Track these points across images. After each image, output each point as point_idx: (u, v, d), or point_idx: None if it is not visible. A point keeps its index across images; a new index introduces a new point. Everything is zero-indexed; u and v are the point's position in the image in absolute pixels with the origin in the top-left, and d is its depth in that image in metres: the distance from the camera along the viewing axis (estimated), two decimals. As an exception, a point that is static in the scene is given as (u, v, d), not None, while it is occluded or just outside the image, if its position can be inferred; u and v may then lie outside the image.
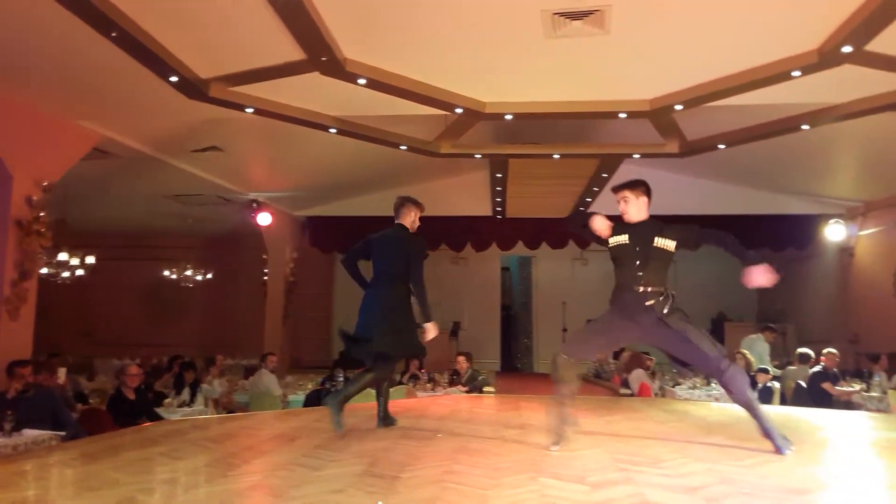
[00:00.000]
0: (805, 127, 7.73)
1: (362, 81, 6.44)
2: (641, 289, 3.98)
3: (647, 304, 3.96)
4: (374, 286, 4.85)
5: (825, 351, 8.51)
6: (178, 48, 5.93)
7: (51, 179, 7.29)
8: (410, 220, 4.99)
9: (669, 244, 4.05)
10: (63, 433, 5.36)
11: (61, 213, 8.38)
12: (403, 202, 5.02)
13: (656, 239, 4.05)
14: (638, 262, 4.04)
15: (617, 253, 4.15)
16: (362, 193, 12.41)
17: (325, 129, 7.87)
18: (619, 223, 4.23)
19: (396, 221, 4.98)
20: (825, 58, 5.80)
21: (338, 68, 6.15)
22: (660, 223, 4.17)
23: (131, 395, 6.70)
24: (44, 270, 8.85)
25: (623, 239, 4.13)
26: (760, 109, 7.49)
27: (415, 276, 4.79)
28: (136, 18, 5.30)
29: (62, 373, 7.26)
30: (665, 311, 3.94)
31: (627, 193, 4.22)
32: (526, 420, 5.33)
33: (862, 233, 11.52)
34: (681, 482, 3.11)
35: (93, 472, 3.41)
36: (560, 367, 4.12)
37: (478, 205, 12.33)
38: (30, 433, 5.14)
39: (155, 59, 5.84)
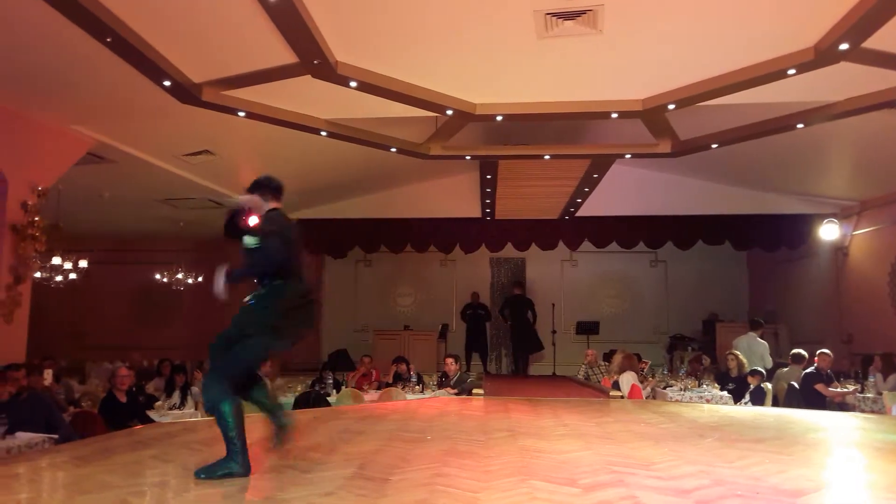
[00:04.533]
0: (800, 126, 7.74)
1: (353, 84, 6.45)
2: None
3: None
4: None
5: (819, 352, 8.50)
6: (172, 53, 5.94)
7: (45, 184, 7.30)
8: None
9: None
10: (56, 436, 5.34)
11: (55, 218, 8.34)
12: None
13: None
14: None
15: None
16: (352, 196, 12.41)
17: (316, 132, 7.87)
18: None
19: None
20: (822, 56, 5.81)
21: (329, 71, 6.16)
22: None
23: (122, 398, 6.67)
24: (37, 274, 8.80)
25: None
26: (754, 108, 7.50)
27: None
28: (130, 23, 5.31)
29: (48, 374, 7.22)
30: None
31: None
32: (515, 422, 5.33)
33: (856, 232, 11.53)
34: (673, 484, 3.10)
35: (85, 475, 3.39)
36: None
37: (467, 206, 12.32)
38: (23, 436, 5.12)
39: (149, 64, 5.85)
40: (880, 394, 8.05)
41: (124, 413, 6.51)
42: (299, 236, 3.99)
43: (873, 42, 5.56)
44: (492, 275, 15.91)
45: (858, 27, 5.30)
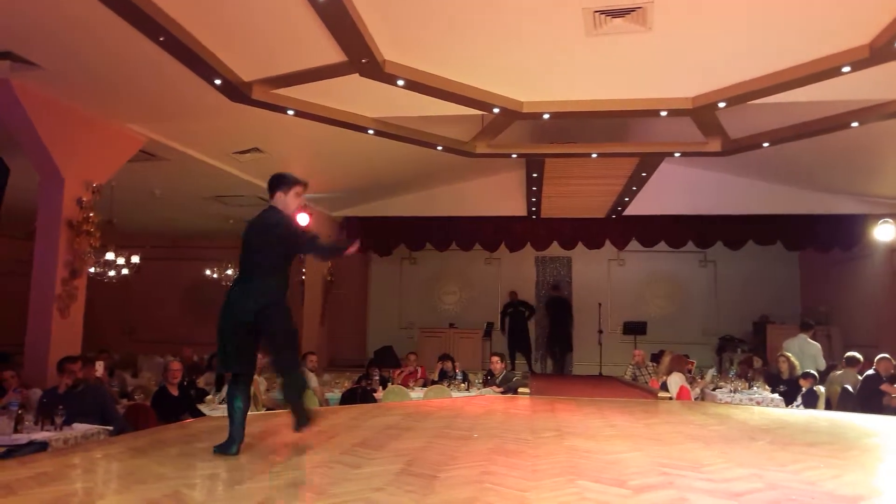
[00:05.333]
0: (854, 124, 7.52)
1: (401, 83, 6.47)
2: None
3: None
4: None
5: (879, 357, 8.24)
6: (223, 51, 6.04)
7: (99, 181, 7.49)
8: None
9: None
10: (110, 428, 5.49)
11: (108, 214, 8.57)
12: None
13: None
14: None
15: None
16: (397, 194, 12.48)
17: (364, 130, 7.92)
18: None
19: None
20: (877, 53, 5.64)
21: (377, 70, 6.20)
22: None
23: (174, 392, 6.83)
24: (91, 270, 9.06)
25: None
26: (806, 106, 7.31)
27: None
28: (182, 23, 5.42)
29: (100, 366, 7.41)
30: None
31: None
32: (562, 422, 5.30)
33: (914, 233, 11.13)
34: (725, 487, 3.05)
35: (139, 466, 3.48)
36: None
37: (512, 205, 12.26)
38: (80, 427, 5.28)
39: (200, 63, 5.96)
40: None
41: (176, 406, 6.66)
42: (265, 234, 3.96)
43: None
44: (537, 273, 15.84)
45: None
